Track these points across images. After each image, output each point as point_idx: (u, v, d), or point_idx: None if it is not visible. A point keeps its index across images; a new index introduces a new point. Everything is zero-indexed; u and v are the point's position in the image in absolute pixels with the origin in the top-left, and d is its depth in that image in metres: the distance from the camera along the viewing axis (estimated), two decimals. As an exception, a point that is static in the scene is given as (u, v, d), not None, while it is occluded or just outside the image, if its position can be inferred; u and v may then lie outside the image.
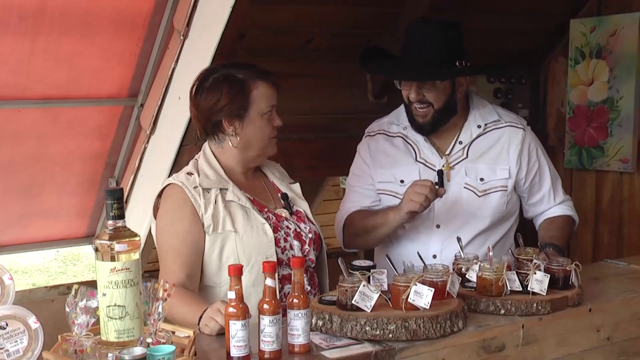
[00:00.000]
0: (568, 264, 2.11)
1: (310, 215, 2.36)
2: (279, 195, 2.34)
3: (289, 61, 3.31)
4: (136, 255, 1.60)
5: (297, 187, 2.41)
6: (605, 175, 3.94)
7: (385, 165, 2.55)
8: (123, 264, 1.57)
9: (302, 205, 2.37)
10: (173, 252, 2.12)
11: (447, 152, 2.51)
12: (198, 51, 2.96)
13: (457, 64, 2.41)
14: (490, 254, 2.08)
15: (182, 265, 2.10)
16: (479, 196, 2.47)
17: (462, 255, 2.19)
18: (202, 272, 2.17)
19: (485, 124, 2.54)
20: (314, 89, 3.47)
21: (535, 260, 2.09)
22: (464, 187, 2.48)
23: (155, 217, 2.24)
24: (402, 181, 2.50)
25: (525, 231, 2.51)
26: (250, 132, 2.21)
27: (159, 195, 2.23)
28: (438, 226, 2.48)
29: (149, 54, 3.22)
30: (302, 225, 2.30)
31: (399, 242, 2.54)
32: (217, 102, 2.18)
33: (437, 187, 2.30)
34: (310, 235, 2.29)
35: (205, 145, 2.30)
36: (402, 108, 2.59)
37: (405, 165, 2.52)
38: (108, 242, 1.57)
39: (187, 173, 2.22)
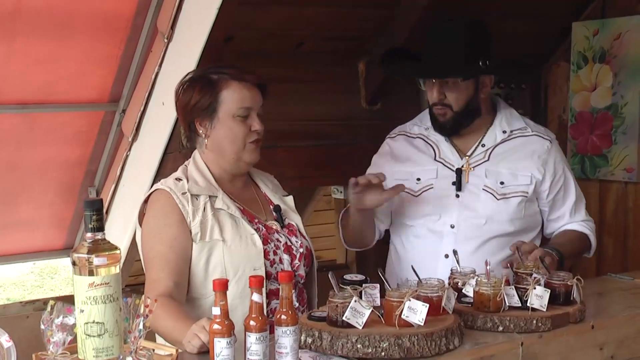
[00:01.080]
0: (569, 279, 2.12)
1: (302, 230, 2.38)
2: (271, 207, 2.36)
3: (279, 65, 3.31)
4: (116, 270, 1.60)
5: (290, 200, 2.43)
6: (609, 185, 3.96)
7: (403, 163, 2.63)
8: (102, 279, 1.57)
9: (295, 219, 2.38)
10: (160, 259, 2.13)
11: (469, 154, 2.58)
12: (183, 54, 2.96)
13: (480, 63, 2.48)
14: (488, 267, 2.09)
15: (170, 272, 2.11)
16: (498, 199, 2.52)
17: (459, 269, 2.20)
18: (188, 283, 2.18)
19: (511, 130, 2.61)
20: (304, 95, 3.47)
21: (535, 275, 2.10)
22: (483, 189, 2.54)
23: (140, 224, 2.25)
24: (418, 179, 2.58)
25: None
26: (220, 134, 2.24)
27: (145, 201, 2.25)
28: (452, 226, 2.52)
29: (132, 57, 3.22)
30: (293, 239, 2.31)
31: (411, 242, 2.60)
32: (189, 101, 2.24)
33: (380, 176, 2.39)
34: (301, 250, 2.30)
35: (196, 152, 2.34)
36: (426, 111, 2.67)
37: (423, 164, 2.60)
38: (86, 256, 1.56)
39: (176, 179, 2.25)
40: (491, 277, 2.06)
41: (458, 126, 2.55)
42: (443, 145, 2.61)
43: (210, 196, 2.22)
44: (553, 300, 2.07)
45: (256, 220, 2.26)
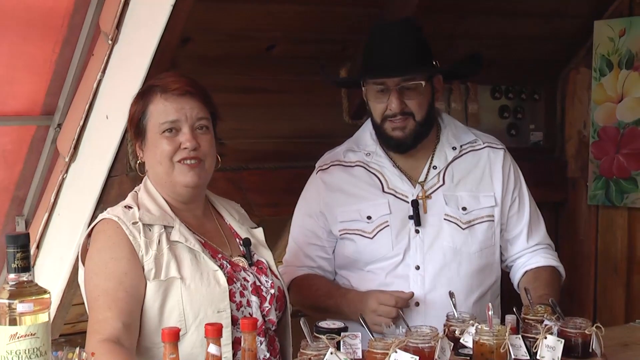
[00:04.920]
0: (587, 327, 2.14)
1: (273, 267, 2.38)
2: (238, 241, 2.37)
3: (246, 72, 3.33)
4: (45, 317, 1.60)
5: (259, 232, 2.45)
6: (639, 214, 3.99)
7: (347, 202, 2.66)
8: (27, 329, 1.57)
9: (265, 255, 2.39)
10: (107, 297, 2.13)
11: (421, 180, 2.63)
12: (131, 59, 2.97)
13: (434, 63, 2.59)
14: (490, 313, 2.11)
15: (119, 312, 2.10)
16: (463, 229, 2.59)
17: (456, 315, 2.22)
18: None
19: (461, 146, 2.70)
20: (276, 107, 3.49)
21: (546, 322, 2.12)
22: (445, 219, 2.59)
23: (83, 261, 2.25)
24: (369, 217, 2.61)
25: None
26: (150, 154, 2.27)
27: (89, 234, 2.25)
28: (417, 267, 2.56)
29: (69, 62, 3.23)
30: (262, 278, 2.32)
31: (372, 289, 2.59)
32: (128, 117, 2.30)
33: (402, 294, 2.44)
34: (272, 291, 2.31)
35: (147, 176, 2.35)
36: (363, 131, 2.74)
37: (371, 199, 2.63)
38: (7, 301, 1.57)
39: (125, 206, 2.25)
40: (494, 325, 2.08)
41: (418, 139, 2.61)
42: (389, 172, 2.65)
43: (165, 227, 2.22)
44: (568, 353, 2.09)
45: (219, 256, 2.27)
